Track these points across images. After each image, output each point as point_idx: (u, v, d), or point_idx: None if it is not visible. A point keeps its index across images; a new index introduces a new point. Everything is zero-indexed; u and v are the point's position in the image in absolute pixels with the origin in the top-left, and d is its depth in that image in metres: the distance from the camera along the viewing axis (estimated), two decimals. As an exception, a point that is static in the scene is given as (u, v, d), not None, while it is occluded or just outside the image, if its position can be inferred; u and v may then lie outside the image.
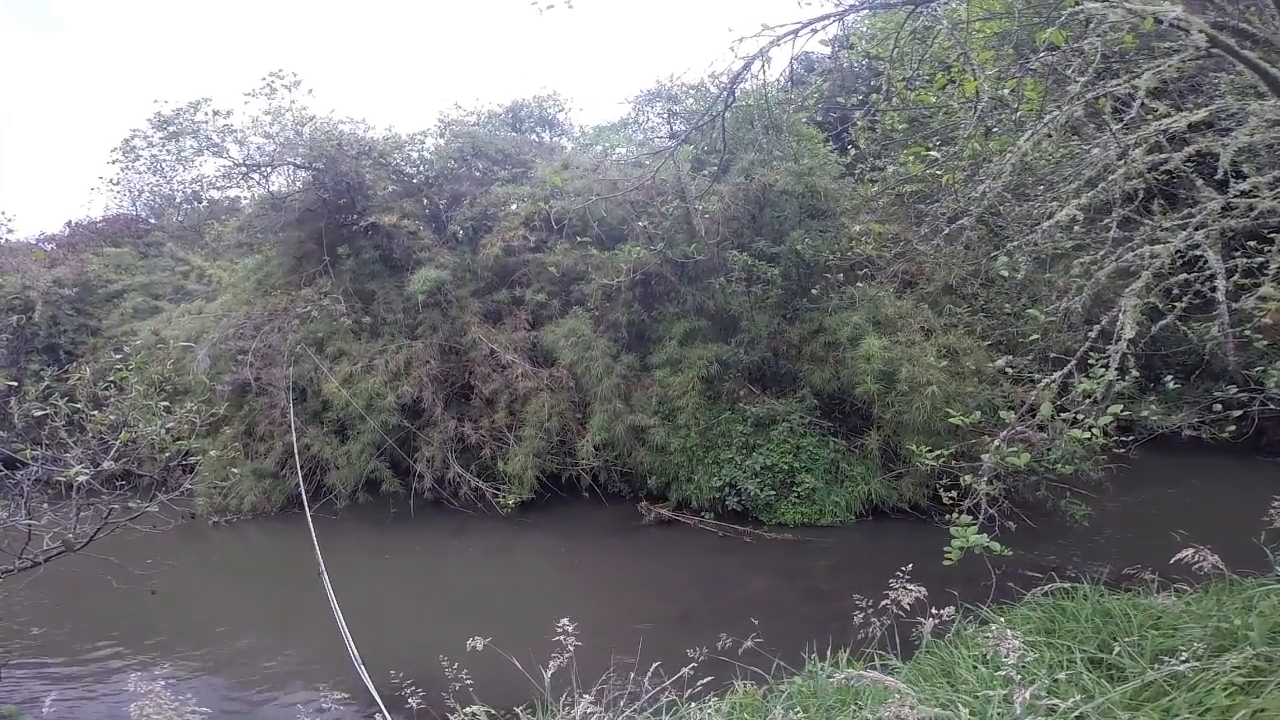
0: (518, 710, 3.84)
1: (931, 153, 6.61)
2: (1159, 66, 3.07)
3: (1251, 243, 4.38)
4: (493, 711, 3.80)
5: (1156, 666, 3.29)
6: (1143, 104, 3.23)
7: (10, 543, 4.06)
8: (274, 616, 7.64)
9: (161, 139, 11.53)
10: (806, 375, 9.87)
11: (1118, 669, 3.65)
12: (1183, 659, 3.12)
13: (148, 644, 6.86)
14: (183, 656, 6.67)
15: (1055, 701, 2.98)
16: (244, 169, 11.95)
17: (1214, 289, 4.21)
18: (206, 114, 11.39)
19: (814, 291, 10.08)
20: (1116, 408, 4.53)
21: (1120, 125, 3.51)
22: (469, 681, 3.96)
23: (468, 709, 3.74)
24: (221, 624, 7.45)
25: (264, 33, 55.60)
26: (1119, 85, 3.28)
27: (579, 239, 11.02)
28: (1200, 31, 2.49)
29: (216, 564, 9.61)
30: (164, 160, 12.21)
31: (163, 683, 3.23)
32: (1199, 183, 3.98)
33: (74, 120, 44.51)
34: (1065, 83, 3.56)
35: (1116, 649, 3.75)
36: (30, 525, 3.94)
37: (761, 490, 9.24)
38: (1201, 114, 3.36)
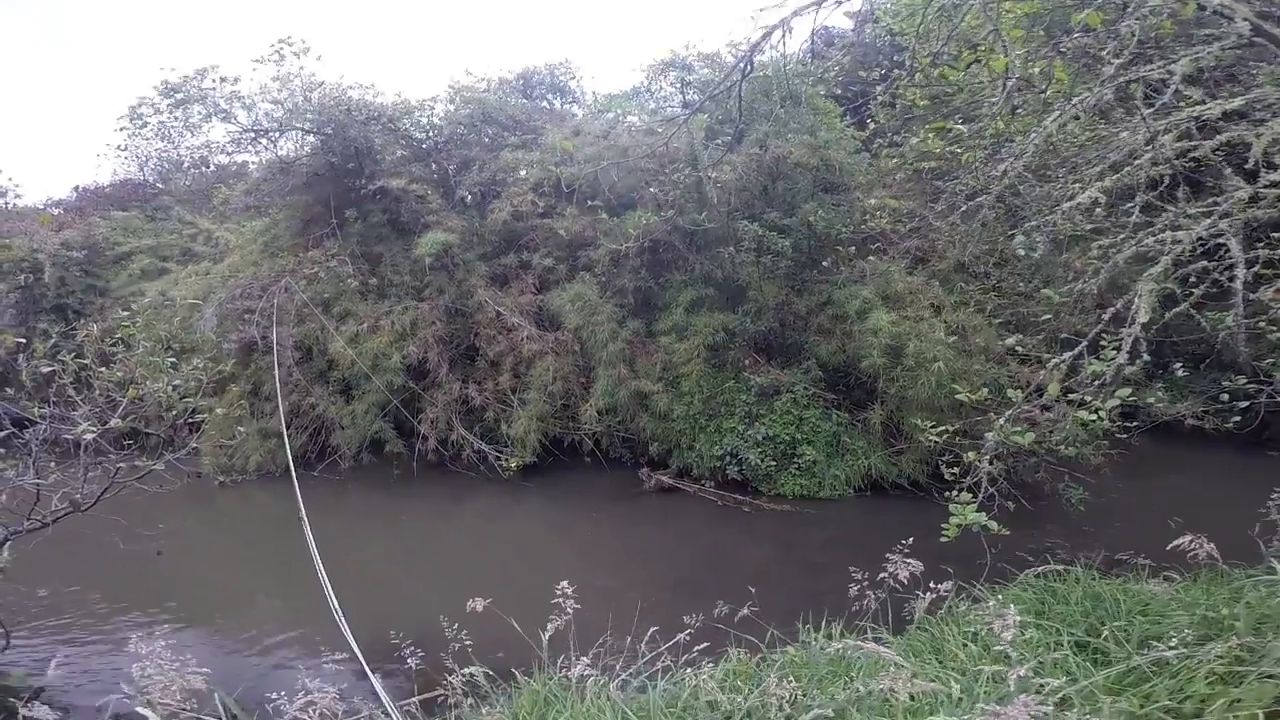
0: (515, 672, 3.90)
1: (957, 126, 6.45)
2: (1198, 54, 2.95)
3: (1276, 234, 4.29)
4: (490, 673, 3.88)
5: (1143, 652, 3.35)
6: (1176, 90, 3.12)
7: (18, 504, 4.09)
8: (278, 577, 7.69)
9: (169, 106, 11.56)
10: (812, 347, 9.84)
11: (1103, 653, 3.71)
12: (1171, 645, 3.16)
13: (153, 605, 6.91)
14: (187, 617, 6.72)
15: (1043, 681, 3.04)
16: (252, 134, 11.97)
17: (1232, 278, 4.14)
18: (214, 81, 11.41)
19: (825, 264, 9.98)
20: (1125, 391, 4.52)
21: (1152, 110, 3.40)
22: (468, 643, 4.00)
23: (466, 670, 3.84)
24: (226, 584, 7.53)
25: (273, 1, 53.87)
26: (1154, 70, 3.16)
27: (590, 203, 10.94)
28: (1244, 20, 2.38)
29: (222, 524, 9.71)
30: (171, 127, 12.34)
31: (163, 643, 3.30)
32: (1228, 171, 3.88)
33: (81, 88, 43.69)
34: (1095, 67, 3.43)
35: (1104, 633, 3.81)
36: (38, 485, 3.98)
37: (762, 460, 9.31)
38: (1238, 102, 3.24)
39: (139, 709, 2.75)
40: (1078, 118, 3.77)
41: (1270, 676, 2.86)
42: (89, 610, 6.82)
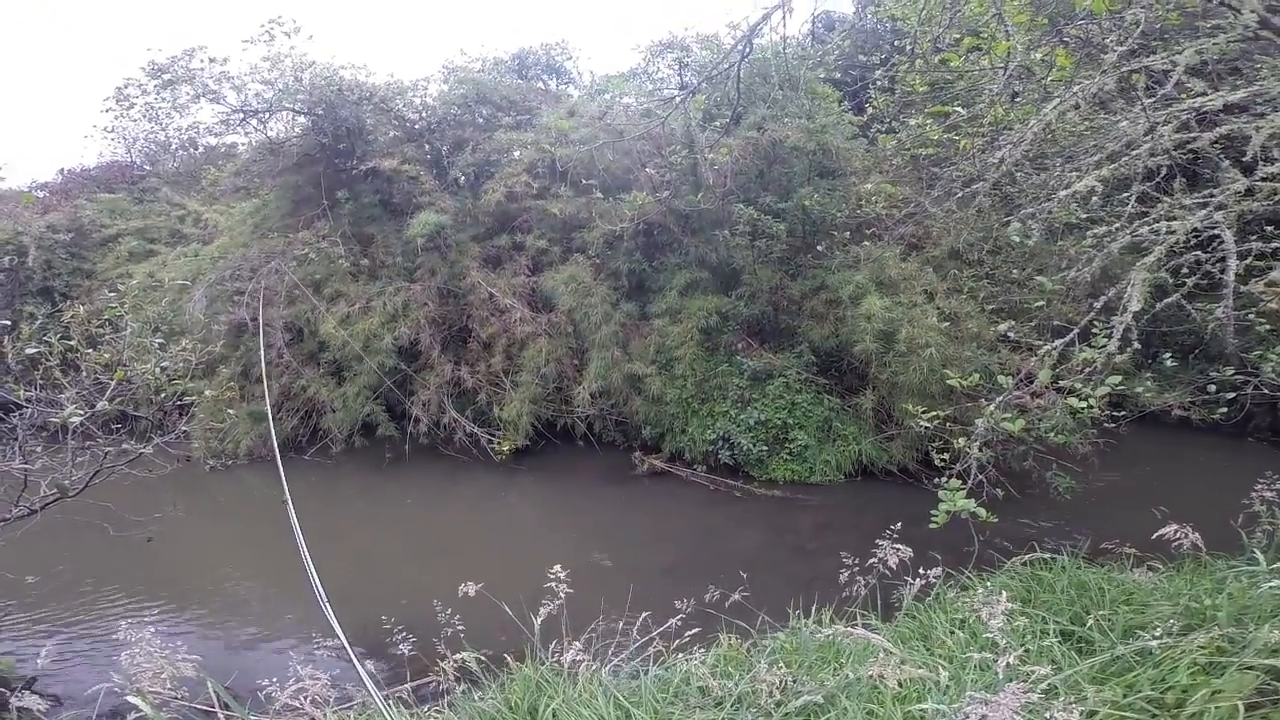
0: (507, 657, 3.90)
1: (958, 109, 6.40)
2: (1202, 45, 2.91)
3: (1270, 228, 4.30)
4: (483, 658, 3.88)
5: (1127, 642, 3.40)
6: (1178, 81, 3.08)
7: (6, 490, 4.02)
8: (269, 562, 7.61)
9: (156, 87, 11.31)
10: (806, 331, 9.84)
11: (1088, 641, 3.75)
12: (1157, 635, 3.20)
13: (144, 591, 6.85)
14: (179, 604, 6.67)
15: (1028, 669, 3.08)
16: (241, 115, 11.74)
17: (1224, 270, 4.15)
18: (202, 62, 11.18)
19: (819, 248, 9.95)
20: (1115, 379, 4.55)
21: (1153, 100, 3.36)
22: (460, 628, 4.01)
23: (458, 655, 3.85)
24: (216, 570, 7.45)
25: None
26: (1157, 60, 3.12)
27: (585, 181, 10.85)
28: (1252, 12, 2.35)
29: (213, 509, 9.61)
30: (159, 108, 12.20)
31: (153, 630, 3.29)
32: (1226, 163, 3.87)
33: (67, 69, 42.43)
34: (1097, 56, 3.38)
35: (1089, 622, 3.85)
36: (26, 471, 3.91)
37: (754, 445, 9.34)
38: (1240, 94, 3.21)
39: (129, 698, 2.73)
40: (1078, 106, 3.74)
41: (1250, 667, 2.91)
42: (79, 597, 6.76)
